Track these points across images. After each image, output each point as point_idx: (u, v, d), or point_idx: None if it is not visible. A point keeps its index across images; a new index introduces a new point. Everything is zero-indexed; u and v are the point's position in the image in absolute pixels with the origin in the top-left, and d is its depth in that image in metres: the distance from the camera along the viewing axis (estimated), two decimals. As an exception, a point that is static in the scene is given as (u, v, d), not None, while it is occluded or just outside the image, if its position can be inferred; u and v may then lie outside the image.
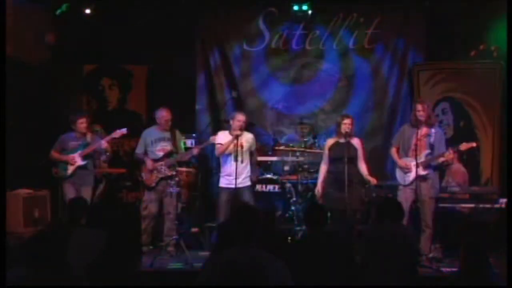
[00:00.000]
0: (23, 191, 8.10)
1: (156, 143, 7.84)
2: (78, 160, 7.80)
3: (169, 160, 7.78)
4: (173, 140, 7.85)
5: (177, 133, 7.96)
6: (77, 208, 5.53)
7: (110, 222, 4.87)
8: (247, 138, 7.73)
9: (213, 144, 7.90)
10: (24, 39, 8.90)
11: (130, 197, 8.84)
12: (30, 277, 3.57)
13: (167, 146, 7.83)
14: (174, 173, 7.71)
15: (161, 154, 7.80)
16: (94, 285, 3.74)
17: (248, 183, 7.73)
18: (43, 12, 9.24)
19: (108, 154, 8.12)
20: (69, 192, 7.73)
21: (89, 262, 3.98)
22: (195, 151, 7.90)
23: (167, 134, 7.85)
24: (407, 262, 5.10)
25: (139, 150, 7.93)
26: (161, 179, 7.75)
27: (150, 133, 7.91)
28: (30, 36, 9.04)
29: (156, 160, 7.78)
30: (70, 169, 7.80)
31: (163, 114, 7.83)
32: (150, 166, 7.75)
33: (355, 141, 7.51)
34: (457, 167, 8.37)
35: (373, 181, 7.41)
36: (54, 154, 7.86)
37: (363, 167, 7.45)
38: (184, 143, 8.39)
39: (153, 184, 7.76)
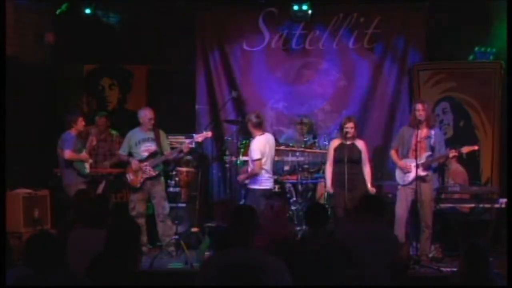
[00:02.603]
0: (23, 191, 8.09)
1: (140, 144, 7.87)
2: (88, 157, 8.13)
3: (154, 160, 7.81)
4: (157, 140, 7.87)
5: (161, 132, 8.00)
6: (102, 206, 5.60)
7: (110, 222, 4.87)
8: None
9: (212, 141, 7.93)
10: (24, 39, 8.90)
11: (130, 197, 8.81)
12: (30, 277, 3.57)
13: (152, 147, 7.87)
14: (158, 172, 7.80)
15: (145, 154, 7.84)
16: (94, 285, 3.74)
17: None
18: (43, 12, 9.25)
19: (87, 148, 8.25)
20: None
21: (89, 262, 3.97)
22: (185, 149, 7.92)
23: (151, 135, 7.89)
24: (384, 263, 5.03)
25: (122, 150, 7.99)
26: (146, 179, 7.78)
27: (135, 134, 7.93)
28: (30, 36, 9.05)
29: (141, 161, 7.80)
30: (87, 167, 8.04)
31: (145, 113, 7.87)
32: (135, 167, 7.76)
33: (360, 143, 7.52)
34: (456, 167, 8.37)
35: (372, 190, 7.45)
36: (73, 154, 7.95)
37: (367, 171, 7.48)
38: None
39: (138, 185, 7.79)
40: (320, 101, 9.61)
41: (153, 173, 7.79)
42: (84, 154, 8.07)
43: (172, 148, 8.17)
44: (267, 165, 7.49)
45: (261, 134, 7.57)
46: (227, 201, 8.83)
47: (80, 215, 5.57)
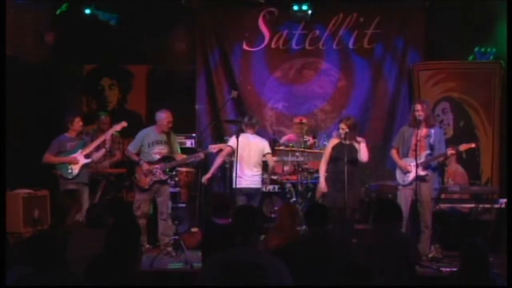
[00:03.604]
0: (23, 191, 8.09)
1: (153, 146, 7.81)
2: (81, 159, 7.83)
3: (165, 165, 7.77)
4: (169, 142, 7.85)
5: (173, 135, 7.96)
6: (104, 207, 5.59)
7: (110, 222, 4.87)
8: None
9: (212, 142, 7.97)
10: (24, 39, 8.90)
11: (130, 197, 8.82)
12: (30, 276, 3.57)
13: (164, 150, 7.82)
14: (167, 177, 7.77)
15: (157, 157, 7.79)
16: (94, 285, 3.74)
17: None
18: (43, 12, 9.25)
19: (107, 147, 8.14)
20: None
21: (89, 262, 3.97)
22: (202, 156, 7.88)
23: (164, 137, 7.83)
24: (401, 264, 5.05)
25: (133, 149, 7.85)
26: (155, 182, 7.77)
27: (148, 135, 7.85)
28: (30, 36, 9.05)
29: (151, 163, 7.78)
30: (76, 169, 7.81)
31: (165, 116, 7.80)
32: (145, 170, 7.74)
33: (358, 142, 7.47)
34: (455, 167, 8.37)
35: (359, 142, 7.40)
36: (50, 158, 7.80)
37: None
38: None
39: (147, 187, 7.76)
40: (320, 101, 9.62)
41: (163, 177, 7.77)
42: (71, 157, 7.81)
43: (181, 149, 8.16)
44: (238, 163, 7.55)
45: (251, 134, 7.76)
46: (221, 194, 8.79)
47: (66, 215, 5.57)
